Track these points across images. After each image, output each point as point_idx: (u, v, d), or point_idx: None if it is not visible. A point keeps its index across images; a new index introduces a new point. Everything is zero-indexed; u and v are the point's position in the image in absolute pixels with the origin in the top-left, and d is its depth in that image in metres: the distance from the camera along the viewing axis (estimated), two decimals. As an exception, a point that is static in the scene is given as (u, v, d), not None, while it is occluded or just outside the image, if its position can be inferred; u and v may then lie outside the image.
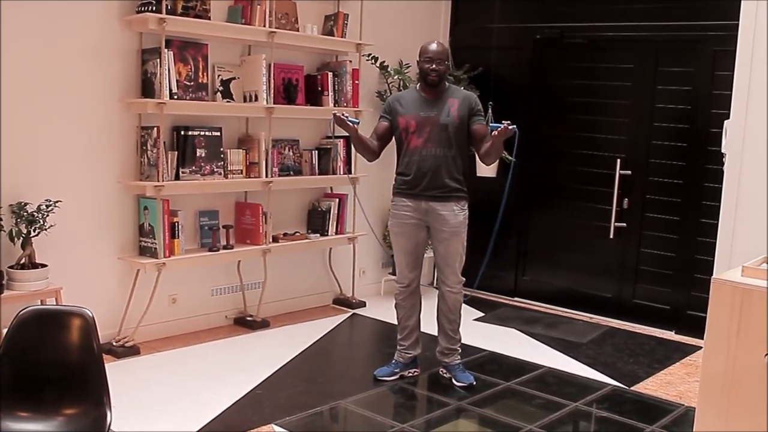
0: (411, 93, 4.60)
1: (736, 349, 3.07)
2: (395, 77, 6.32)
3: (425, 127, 4.42)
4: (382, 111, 4.64)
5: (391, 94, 6.07)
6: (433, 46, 4.47)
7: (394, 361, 4.72)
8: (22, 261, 4.43)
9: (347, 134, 5.95)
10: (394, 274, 4.69)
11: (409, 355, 4.71)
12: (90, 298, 4.42)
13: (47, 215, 4.45)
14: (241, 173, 5.38)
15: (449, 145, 4.41)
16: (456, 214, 4.46)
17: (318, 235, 5.95)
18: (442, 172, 4.41)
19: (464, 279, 4.62)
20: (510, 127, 4.21)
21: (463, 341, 4.81)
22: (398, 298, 4.68)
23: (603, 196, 6.16)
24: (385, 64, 6.24)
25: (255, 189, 5.53)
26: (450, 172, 4.42)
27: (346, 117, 4.37)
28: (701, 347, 3.27)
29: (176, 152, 5.02)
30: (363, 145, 4.57)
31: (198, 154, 5.09)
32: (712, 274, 4.07)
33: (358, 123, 4.48)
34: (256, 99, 5.36)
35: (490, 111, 6.41)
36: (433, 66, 4.42)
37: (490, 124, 4.33)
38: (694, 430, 3.27)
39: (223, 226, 5.40)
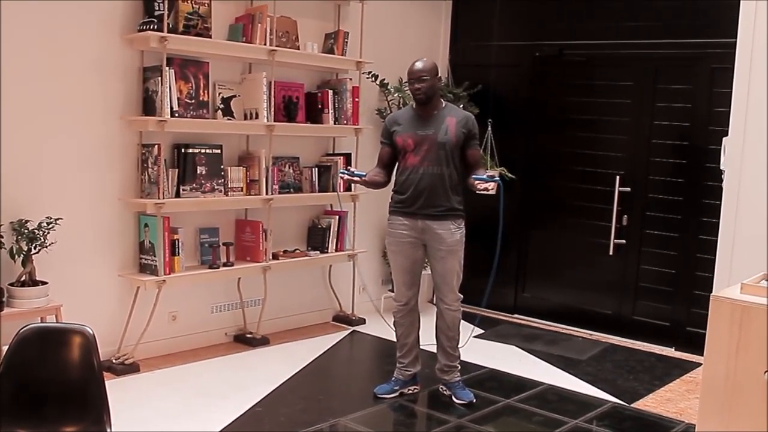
0: (408, 111, 4.60)
1: (736, 365, 3.07)
2: (395, 95, 6.35)
3: (422, 146, 4.42)
4: (382, 136, 4.64)
5: (391, 111, 6.09)
6: (416, 65, 4.44)
7: (393, 379, 4.72)
8: (23, 278, 4.44)
9: (347, 152, 6.07)
10: (393, 291, 4.70)
11: (409, 373, 4.71)
12: (90, 315, 4.42)
13: (48, 232, 4.45)
14: (242, 190, 5.39)
15: (446, 164, 4.41)
16: (452, 233, 4.47)
17: (318, 252, 5.95)
18: (438, 190, 4.41)
19: (462, 296, 4.62)
20: (490, 187, 4.25)
21: (463, 358, 4.81)
22: (397, 315, 4.68)
23: (602, 212, 6.17)
24: (385, 81, 6.27)
25: (255, 206, 5.54)
26: (446, 190, 4.42)
27: (351, 172, 4.46)
28: (701, 364, 3.27)
29: (177, 170, 5.03)
30: (374, 184, 4.62)
31: (198, 172, 5.11)
32: (711, 291, 4.08)
33: (364, 174, 4.53)
34: (257, 117, 5.39)
35: (489, 128, 6.46)
36: (417, 85, 4.41)
37: (473, 176, 4.34)
38: (694, 447, 3.27)
39: (224, 244, 5.41)
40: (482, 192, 4.30)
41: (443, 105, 4.57)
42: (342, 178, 4.49)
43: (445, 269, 4.50)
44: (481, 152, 4.54)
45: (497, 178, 4.30)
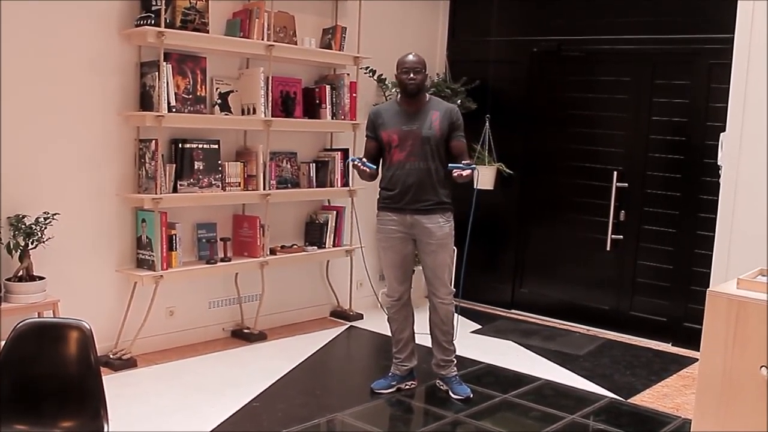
0: (392, 106, 4.59)
1: (732, 361, 3.07)
2: (392, 90, 6.34)
3: (407, 141, 4.42)
4: (367, 129, 4.64)
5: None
6: (410, 57, 4.47)
7: (390, 374, 4.72)
8: (20, 273, 4.43)
9: (345, 148, 6.07)
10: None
11: (406, 368, 4.71)
12: (87, 310, 4.42)
13: (45, 228, 4.45)
14: (239, 186, 5.39)
15: (432, 158, 4.41)
16: (441, 226, 4.47)
17: (315, 247, 5.95)
18: (426, 185, 4.41)
19: (455, 290, 4.63)
20: (464, 173, 4.23)
21: (460, 354, 4.82)
22: (390, 311, 4.69)
23: (600, 208, 6.17)
24: (382, 77, 6.27)
25: (253, 201, 5.54)
26: (433, 184, 4.42)
27: (363, 161, 4.44)
28: (698, 359, 3.28)
29: (174, 165, 5.03)
30: (372, 177, 4.59)
31: (196, 167, 5.10)
32: (708, 286, 4.08)
33: (375, 168, 4.51)
34: (254, 112, 5.38)
35: (487, 124, 6.46)
36: (411, 75, 4.42)
37: (449, 165, 4.34)
38: (690, 442, 3.27)
39: (221, 239, 5.40)
40: (460, 179, 4.29)
41: (427, 99, 4.57)
42: (354, 164, 4.45)
43: (436, 263, 4.51)
44: (465, 143, 4.53)
45: (473, 166, 4.29)
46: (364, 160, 4.51)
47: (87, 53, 4.74)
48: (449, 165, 4.34)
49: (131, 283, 5.01)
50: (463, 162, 4.32)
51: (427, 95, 4.62)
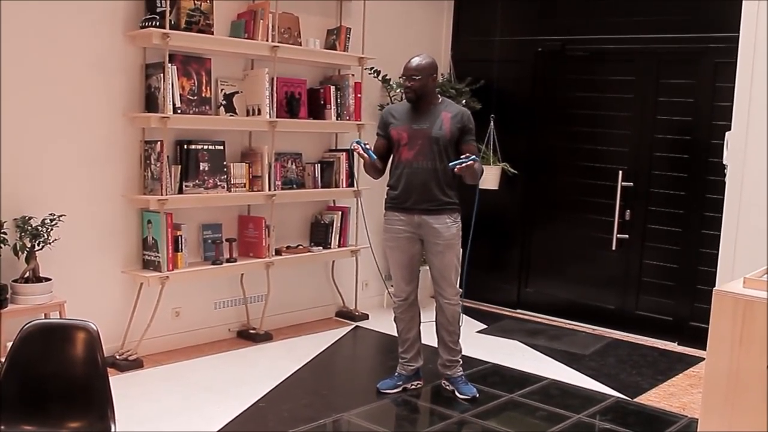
0: (405, 105, 4.58)
1: (738, 360, 3.06)
2: (397, 90, 6.34)
3: (417, 140, 4.42)
4: (378, 127, 4.65)
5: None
6: (411, 63, 4.44)
7: (396, 374, 4.72)
8: (26, 275, 4.45)
9: (349, 149, 6.07)
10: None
11: (412, 368, 4.71)
12: (94, 311, 4.42)
13: (51, 229, 4.46)
14: (244, 186, 5.40)
15: (440, 159, 4.40)
16: (449, 227, 4.47)
17: (321, 248, 5.96)
18: (432, 185, 4.41)
19: (461, 290, 4.63)
20: (463, 166, 4.22)
21: (466, 353, 4.82)
22: (397, 311, 4.69)
23: (605, 207, 6.17)
24: (387, 77, 6.27)
25: (258, 202, 5.54)
26: (440, 185, 4.42)
27: (366, 147, 4.45)
28: (704, 358, 3.27)
29: (179, 166, 5.04)
30: (374, 168, 4.60)
31: (201, 168, 5.11)
32: (714, 286, 4.07)
33: (375, 158, 4.51)
34: (259, 113, 5.39)
35: (492, 124, 6.46)
36: (408, 83, 4.43)
37: (450, 164, 4.34)
38: (697, 441, 3.27)
39: (227, 240, 5.41)
40: (463, 172, 4.26)
41: (439, 100, 4.56)
42: (354, 148, 4.45)
43: (443, 264, 4.50)
44: (476, 147, 4.52)
45: (473, 157, 4.27)
46: (368, 146, 4.51)
47: (92, 54, 4.75)
48: (450, 164, 4.33)
49: (137, 284, 5.03)
50: (462, 156, 4.31)
51: (440, 97, 4.61)
